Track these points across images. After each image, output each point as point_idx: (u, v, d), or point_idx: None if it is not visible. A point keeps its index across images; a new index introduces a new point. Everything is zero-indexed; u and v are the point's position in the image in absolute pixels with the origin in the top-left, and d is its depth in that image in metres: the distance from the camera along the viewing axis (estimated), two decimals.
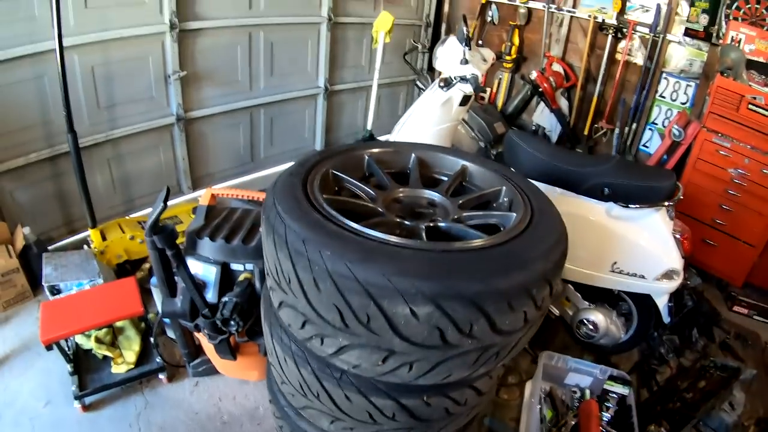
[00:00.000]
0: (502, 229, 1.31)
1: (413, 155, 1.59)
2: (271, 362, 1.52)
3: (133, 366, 2.33)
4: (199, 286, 1.87)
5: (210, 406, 2.28)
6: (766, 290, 3.32)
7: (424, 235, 1.23)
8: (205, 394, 2.34)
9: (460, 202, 1.44)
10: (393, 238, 1.10)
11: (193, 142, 3.54)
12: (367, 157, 1.55)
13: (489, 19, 4.50)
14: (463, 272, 1.03)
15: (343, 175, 1.45)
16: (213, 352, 2.27)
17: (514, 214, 1.32)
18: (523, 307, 1.09)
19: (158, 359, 2.33)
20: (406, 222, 1.29)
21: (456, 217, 1.37)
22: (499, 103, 4.58)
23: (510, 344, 1.19)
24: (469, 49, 2.57)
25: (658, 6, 3.52)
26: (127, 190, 3.35)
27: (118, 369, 2.31)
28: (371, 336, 1.06)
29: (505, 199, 1.47)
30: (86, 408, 2.21)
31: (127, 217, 3.22)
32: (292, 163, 1.49)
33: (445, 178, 1.59)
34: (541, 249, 1.16)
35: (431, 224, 1.30)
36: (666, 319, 2.37)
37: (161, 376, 2.35)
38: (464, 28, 2.52)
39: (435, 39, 4.72)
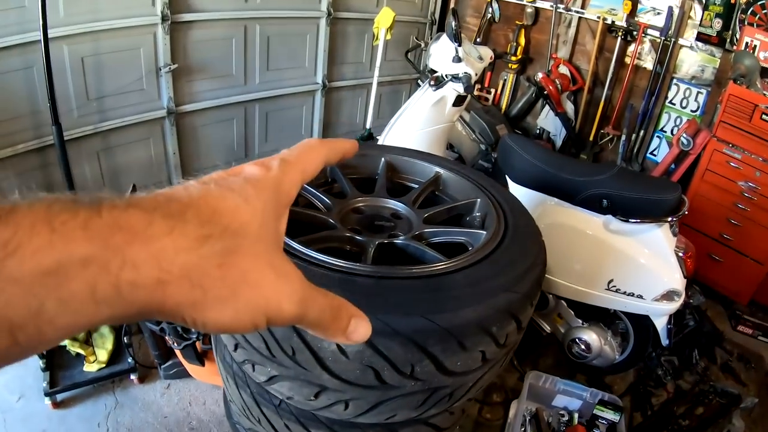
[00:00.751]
0: (469, 248, 1.17)
1: (383, 159, 1.45)
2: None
3: (105, 365, 2.27)
4: None
5: (179, 410, 2.23)
6: None
7: (371, 254, 1.09)
8: (175, 397, 2.28)
9: (426, 215, 1.29)
10: (327, 259, 0.97)
11: (184, 136, 3.46)
12: None
13: (489, 16, 4.36)
14: (403, 305, 0.90)
15: None
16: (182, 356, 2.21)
17: (484, 233, 1.18)
18: (479, 347, 0.95)
19: (130, 360, 2.28)
20: (358, 237, 1.16)
21: (417, 233, 1.23)
22: (503, 104, 4.44)
23: (466, 384, 1.04)
24: (460, 46, 2.43)
25: (670, 9, 3.37)
26: (116, 183, 3.28)
27: (90, 367, 2.26)
28: (299, 369, 0.94)
29: (478, 214, 1.33)
30: (57, 405, 2.18)
31: None
32: None
33: (417, 186, 1.45)
34: (508, 277, 1.02)
35: (386, 241, 1.16)
36: (665, 342, 2.24)
37: (133, 376, 2.30)
38: (453, 23, 2.39)
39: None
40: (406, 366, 0.91)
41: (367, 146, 1.62)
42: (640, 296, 2.15)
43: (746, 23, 3.10)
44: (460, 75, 2.38)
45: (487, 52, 2.68)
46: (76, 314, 0.26)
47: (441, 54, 2.48)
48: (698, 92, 3.45)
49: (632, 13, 3.59)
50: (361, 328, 0.37)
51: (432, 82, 2.44)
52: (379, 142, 2.67)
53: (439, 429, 1.19)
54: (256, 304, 0.31)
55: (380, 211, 1.32)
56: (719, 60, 3.29)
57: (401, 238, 1.19)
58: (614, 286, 2.17)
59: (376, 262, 1.06)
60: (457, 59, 2.40)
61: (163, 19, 2.97)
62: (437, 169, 1.46)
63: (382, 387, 0.95)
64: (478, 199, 1.34)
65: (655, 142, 3.75)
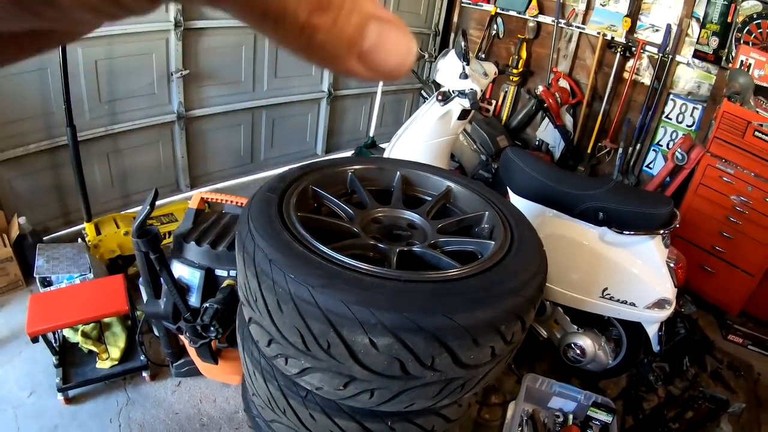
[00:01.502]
0: (479, 257, 1.28)
1: (398, 173, 1.57)
2: (243, 373, 1.51)
3: (117, 362, 2.34)
4: (182, 289, 1.87)
5: (190, 407, 2.29)
6: (762, 320, 3.27)
7: (394, 261, 1.21)
8: (186, 395, 2.34)
9: (440, 225, 1.41)
10: (359, 264, 1.08)
11: (193, 140, 3.54)
12: (350, 174, 1.54)
13: (494, 32, 4.47)
14: (426, 305, 1.01)
15: (323, 192, 1.43)
16: (196, 354, 2.28)
17: (492, 243, 1.29)
18: (489, 343, 1.06)
19: (142, 357, 2.34)
20: (381, 245, 1.27)
21: (433, 242, 1.35)
22: (504, 116, 4.54)
23: (477, 377, 1.16)
24: (468, 64, 2.54)
25: (669, 26, 3.48)
26: (124, 185, 3.36)
27: (103, 364, 2.32)
28: (332, 361, 1.04)
29: (486, 226, 1.44)
30: (69, 400, 2.23)
31: (123, 212, 3.23)
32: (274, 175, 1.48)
33: (430, 199, 1.57)
34: (515, 283, 1.14)
35: (406, 248, 1.28)
36: (656, 348, 2.34)
37: (144, 374, 2.36)
38: (462, 43, 2.50)
39: (443, 48, 4.70)
40: (428, 358, 1.02)
41: (383, 161, 1.72)
42: (632, 304, 2.25)
43: (742, 42, 3.21)
44: (467, 91, 2.48)
45: (491, 68, 2.78)
46: None
47: (448, 70, 2.58)
48: (694, 108, 3.55)
49: (631, 29, 3.70)
50: (393, 41, 0.21)
51: (439, 97, 2.54)
52: (386, 153, 2.76)
53: (448, 420, 1.30)
54: None
55: (397, 221, 1.43)
56: (715, 77, 3.38)
57: (418, 246, 1.30)
58: (609, 294, 2.27)
59: (396, 268, 1.16)
60: (464, 76, 2.50)
61: (176, 25, 3.06)
62: (448, 183, 1.58)
63: (405, 377, 1.06)
64: (487, 212, 1.45)
65: (651, 155, 3.85)
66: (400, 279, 1.06)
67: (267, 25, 0.19)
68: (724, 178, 3.07)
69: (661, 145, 3.78)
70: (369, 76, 0.21)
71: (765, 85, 3.09)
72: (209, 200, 2.19)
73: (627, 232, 2.16)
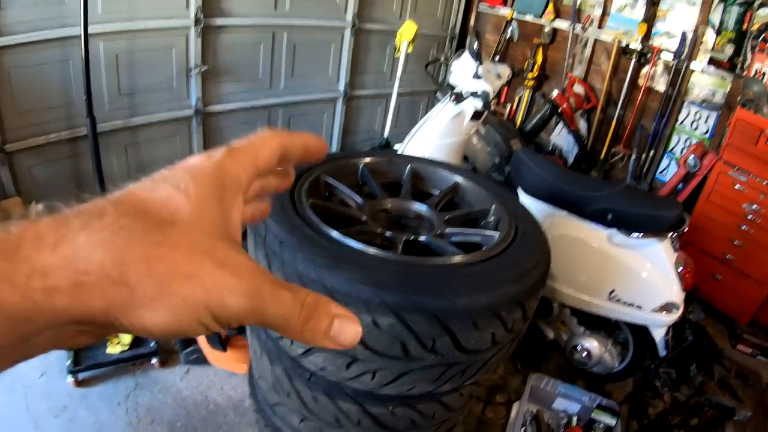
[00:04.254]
0: (484, 247, 1.31)
1: (408, 166, 1.61)
2: (251, 356, 1.54)
3: (127, 348, 2.37)
4: None
5: (197, 394, 2.32)
6: None
7: (400, 247, 1.24)
8: (194, 382, 2.38)
9: (447, 217, 1.44)
10: (367, 248, 1.11)
11: (209, 135, 3.60)
12: (361, 166, 1.57)
13: (508, 36, 4.49)
14: (429, 287, 1.04)
15: (334, 181, 1.47)
16: (205, 342, 2.32)
17: (497, 234, 1.32)
18: (489, 328, 1.08)
19: (152, 344, 2.38)
20: (388, 233, 1.30)
21: (439, 232, 1.37)
22: (518, 119, 4.55)
23: (477, 363, 1.18)
24: (481, 64, 2.57)
25: (684, 33, 3.48)
26: (141, 176, 3.39)
27: (113, 349, 2.36)
28: None
29: (492, 219, 1.47)
30: (79, 383, 2.27)
31: None
32: None
33: (438, 192, 1.60)
34: (516, 271, 1.16)
35: (412, 237, 1.31)
36: (662, 352, 2.33)
37: (154, 360, 2.40)
38: (474, 42, 2.52)
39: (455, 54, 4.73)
40: (429, 340, 1.05)
41: (394, 155, 1.75)
42: (639, 307, 2.25)
43: (757, 50, 3.19)
44: (479, 92, 2.51)
45: (505, 71, 2.80)
46: None
47: (462, 70, 2.61)
48: (708, 115, 3.54)
49: (647, 36, 3.70)
50: (347, 330, 0.32)
51: (453, 97, 2.57)
52: (399, 152, 2.79)
53: (449, 408, 1.32)
54: (195, 299, 0.27)
55: (406, 212, 1.47)
56: (730, 84, 3.37)
57: (424, 235, 1.33)
58: (616, 296, 2.27)
59: (403, 255, 1.19)
60: (477, 76, 2.53)
61: (196, 22, 3.12)
62: (456, 177, 1.61)
63: (406, 359, 1.09)
64: (493, 206, 1.48)
65: (665, 162, 3.84)
66: (405, 262, 1.09)
67: (276, 329, 0.31)
68: (737, 186, 3.05)
69: (675, 153, 3.76)
70: (334, 348, 0.32)
71: None
72: None
73: (636, 234, 2.17)
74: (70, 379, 2.24)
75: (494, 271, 1.14)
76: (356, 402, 1.23)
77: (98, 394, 2.26)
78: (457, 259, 1.16)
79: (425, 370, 1.12)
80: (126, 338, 2.40)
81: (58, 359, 2.34)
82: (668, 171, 3.82)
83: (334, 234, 1.15)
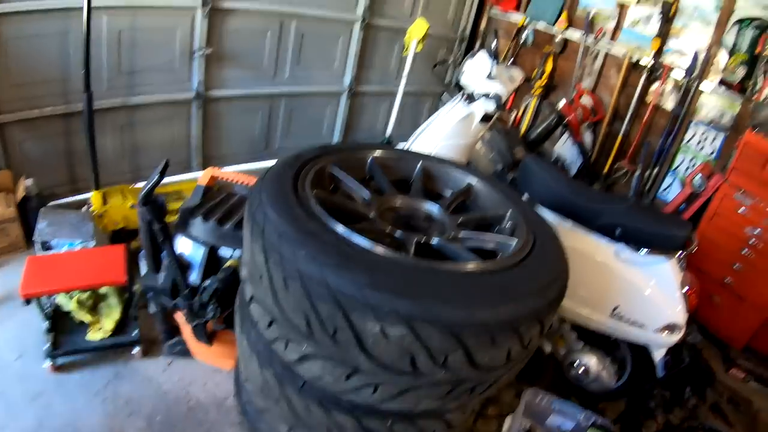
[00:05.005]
0: (499, 255, 1.23)
1: (419, 164, 1.52)
2: (238, 354, 1.45)
3: (109, 334, 2.29)
4: (183, 265, 1.83)
5: (179, 389, 2.24)
6: (766, 355, 3.20)
7: (412, 249, 1.15)
8: (176, 376, 2.29)
9: (460, 220, 1.35)
10: (376, 248, 1.02)
11: (209, 120, 3.52)
12: (370, 159, 1.48)
13: (523, 40, 4.44)
14: (446, 296, 0.95)
15: (341, 173, 1.38)
16: (190, 335, 2.23)
17: (515, 241, 1.23)
18: (507, 344, 1.00)
19: (135, 332, 2.29)
20: (398, 233, 1.21)
21: (452, 235, 1.29)
22: (523, 127, 4.50)
23: (487, 381, 1.09)
24: (497, 64, 2.50)
25: (696, 53, 3.44)
26: (136, 158, 3.33)
27: (94, 335, 2.28)
28: (336, 349, 0.98)
29: (508, 224, 1.39)
30: (57, 368, 2.19)
31: (131, 186, 3.19)
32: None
33: (449, 193, 1.51)
34: (537, 284, 1.08)
35: (423, 239, 1.22)
36: (660, 373, 2.28)
37: (135, 349, 2.31)
38: (494, 41, 2.45)
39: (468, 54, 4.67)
40: (441, 354, 0.95)
41: (405, 151, 1.67)
42: (642, 326, 2.19)
43: None
44: (492, 94, 2.44)
45: (518, 74, 2.74)
46: None
47: (476, 70, 2.54)
48: (715, 136, 3.50)
49: (659, 52, 3.66)
50: None
51: (465, 98, 2.50)
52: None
53: (450, 426, 1.23)
54: None
55: (415, 212, 1.38)
56: (739, 107, 3.34)
57: (436, 238, 1.24)
58: (619, 313, 2.21)
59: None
60: (491, 77, 2.46)
61: (204, 3, 3.04)
62: (470, 178, 1.53)
63: (414, 374, 0.99)
64: (509, 211, 1.40)
65: (668, 180, 3.80)
66: (419, 267, 0.99)
67: None
68: (741, 209, 3.02)
69: (679, 172, 3.72)
70: None
71: None
72: (220, 179, 2.14)
73: (643, 251, 2.11)
74: (47, 363, 2.16)
75: (515, 282, 1.05)
76: (353, 415, 1.13)
77: (76, 382, 2.17)
78: (475, 266, 1.07)
79: (432, 386, 1.02)
80: (108, 325, 2.31)
81: (36, 342, 2.25)
82: (671, 190, 3.78)
83: (341, 230, 1.06)
